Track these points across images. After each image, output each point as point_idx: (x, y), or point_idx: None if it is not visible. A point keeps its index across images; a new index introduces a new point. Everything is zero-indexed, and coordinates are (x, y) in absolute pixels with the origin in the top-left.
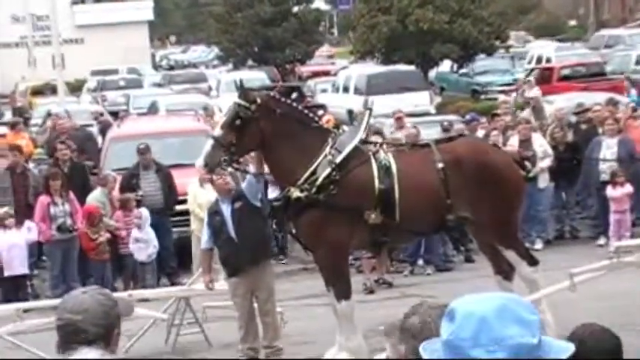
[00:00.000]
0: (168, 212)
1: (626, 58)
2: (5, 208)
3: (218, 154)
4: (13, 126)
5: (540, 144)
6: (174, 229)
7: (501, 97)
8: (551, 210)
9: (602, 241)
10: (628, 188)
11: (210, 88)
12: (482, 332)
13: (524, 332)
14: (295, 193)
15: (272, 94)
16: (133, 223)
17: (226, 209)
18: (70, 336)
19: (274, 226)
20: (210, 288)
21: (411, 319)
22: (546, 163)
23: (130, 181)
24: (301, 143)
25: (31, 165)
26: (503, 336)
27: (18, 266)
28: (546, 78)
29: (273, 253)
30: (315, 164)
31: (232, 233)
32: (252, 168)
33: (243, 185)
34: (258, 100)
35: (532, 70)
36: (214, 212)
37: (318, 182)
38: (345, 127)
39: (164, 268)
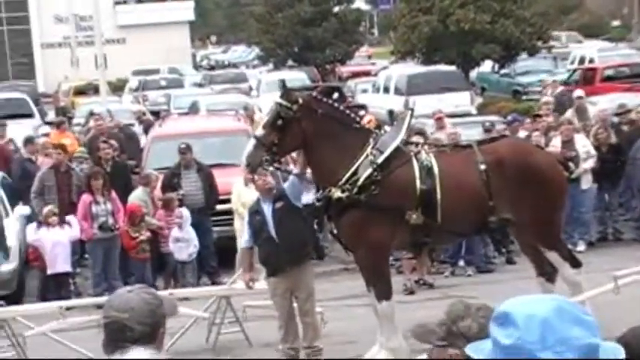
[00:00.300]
0: (209, 212)
1: None
2: (50, 207)
3: (260, 154)
4: (58, 125)
5: (583, 145)
6: (215, 229)
7: (543, 98)
8: (594, 211)
9: None
10: None
11: (250, 88)
12: (547, 334)
13: (587, 333)
14: (337, 193)
15: (313, 94)
16: (174, 223)
17: (267, 209)
18: (117, 334)
19: (315, 226)
20: (251, 287)
21: (464, 322)
22: (589, 164)
23: (172, 181)
24: (343, 143)
25: (73, 164)
26: (568, 337)
27: (61, 264)
28: (589, 79)
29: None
30: (357, 164)
31: (273, 233)
32: (294, 168)
33: (285, 185)
34: (300, 101)
35: (574, 70)
36: (255, 212)
37: (360, 182)
38: (387, 128)
39: (204, 267)
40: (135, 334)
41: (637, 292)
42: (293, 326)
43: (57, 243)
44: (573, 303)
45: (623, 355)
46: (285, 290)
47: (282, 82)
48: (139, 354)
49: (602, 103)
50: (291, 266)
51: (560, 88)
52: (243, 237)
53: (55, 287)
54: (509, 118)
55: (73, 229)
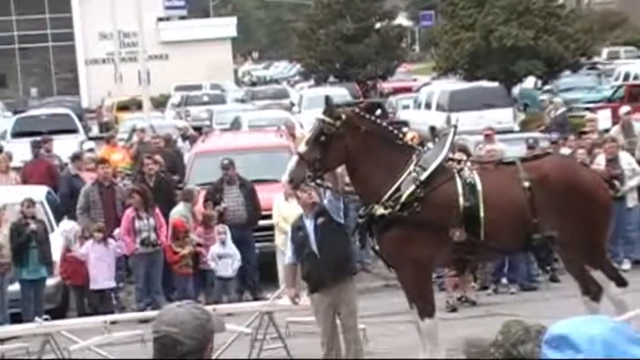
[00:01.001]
0: (251, 227)
1: None
2: (98, 224)
3: (303, 170)
4: (108, 140)
5: (628, 162)
6: (257, 244)
7: (588, 115)
8: None
9: None
10: None
11: (292, 104)
12: (612, 354)
13: None
14: (379, 210)
15: (356, 110)
16: (215, 239)
17: (309, 224)
18: (167, 349)
19: (357, 243)
20: (295, 302)
21: (525, 346)
22: (635, 182)
23: (214, 196)
24: (386, 160)
25: (117, 179)
26: (630, 355)
27: (103, 280)
28: (635, 95)
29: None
30: (400, 181)
31: (314, 248)
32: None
33: (325, 202)
34: (343, 117)
35: (619, 87)
36: (297, 227)
37: (403, 199)
38: (430, 145)
39: (247, 283)
40: (184, 349)
41: None
42: (336, 343)
43: (99, 259)
44: (621, 323)
45: None
46: (328, 306)
47: (327, 98)
48: None
49: None
50: (333, 282)
51: (562, 109)
52: (286, 253)
53: (98, 303)
54: (553, 135)
55: (118, 244)
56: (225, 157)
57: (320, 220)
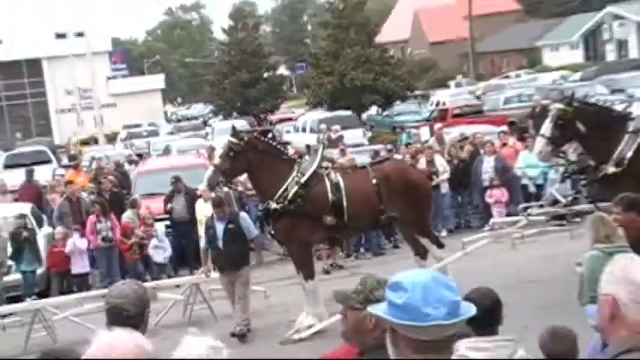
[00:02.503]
0: (192, 223)
1: (496, 101)
2: (75, 226)
3: (217, 177)
4: (75, 167)
5: (441, 163)
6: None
7: (413, 132)
8: (451, 208)
9: (487, 228)
10: (502, 190)
11: (207, 134)
12: (428, 295)
13: (453, 294)
14: (273, 205)
15: (254, 134)
16: (152, 235)
17: (220, 227)
18: (116, 316)
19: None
20: (207, 276)
21: (378, 291)
22: (445, 175)
23: (169, 201)
24: (276, 169)
25: (84, 194)
26: (442, 296)
27: (81, 267)
28: (443, 116)
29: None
30: (287, 184)
31: (220, 245)
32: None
33: (241, 218)
34: (245, 139)
35: (433, 111)
36: (209, 227)
37: (289, 197)
38: (306, 157)
39: (188, 263)
40: (129, 314)
41: (483, 262)
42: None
43: (79, 252)
44: (442, 274)
45: (474, 311)
46: (228, 282)
47: (233, 127)
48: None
49: (453, 133)
50: (231, 269)
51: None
52: (202, 240)
53: (79, 283)
54: (389, 146)
55: (82, 242)
56: (159, 174)
57: (230, 225)
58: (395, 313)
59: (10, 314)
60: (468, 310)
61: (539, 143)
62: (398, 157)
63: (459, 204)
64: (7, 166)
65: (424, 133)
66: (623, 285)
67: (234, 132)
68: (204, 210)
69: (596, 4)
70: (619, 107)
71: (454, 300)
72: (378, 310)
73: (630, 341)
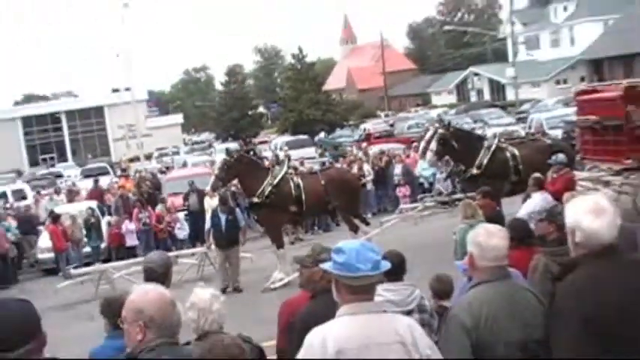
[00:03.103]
0: (202, 212)
1: (402, 127)
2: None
3: (217, 183)
4: (125, 177)
5: (367, 169)
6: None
7: (348, 148)
8: (374, 199)
9: (397, 212)
10: (407, 187)
11: (211, 153)
12: (359, 256)
13: (375, 255)
14: (255, 199)
15: (242, 153)
16: (177, 220)
17: (223, 217)
18: (149, 274)
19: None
20: (209, 248)
21: (325, 254)
22: (369, 177)
23: (186, 197)
24: (257, 175)
25: (130, 195)
26: (368, 257)
27: (130, 241)
28: (368, 138)
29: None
30: (264, 185)
31: (223, 230)
32: (234, 188)
33: (236, 212)
34: (235, 156)
35: (361, 134)
36: (215, 216)
37: (265, 194)
38: (277, 167)
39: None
40: (157, 274)
41: (394, 235)
42: (224, 272)
43: (130, 231)
44: (369, 242)
45: (389, 266)
46: (225, 256)
47: (226, 149)
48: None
49: (375, 149)
50: (227, 247)
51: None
52: (207, 224)
53: (128, 254)
54: (332, 159)
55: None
56: (180, 180)
57: (230, 217)
58: (337, 268)
59: (86, 274)
60: (384, 265)
61: (429, 155)
62: (338, 165)
63: (379, 196)
64: (84, 177)
65: (357, 149)
66: (474, 245)
67: (227, 152)
68: (210, 203)
69: (463, 65)
70: (478, 131)
71: (376, 259)
72: (327, 266)
73: (480, 277)
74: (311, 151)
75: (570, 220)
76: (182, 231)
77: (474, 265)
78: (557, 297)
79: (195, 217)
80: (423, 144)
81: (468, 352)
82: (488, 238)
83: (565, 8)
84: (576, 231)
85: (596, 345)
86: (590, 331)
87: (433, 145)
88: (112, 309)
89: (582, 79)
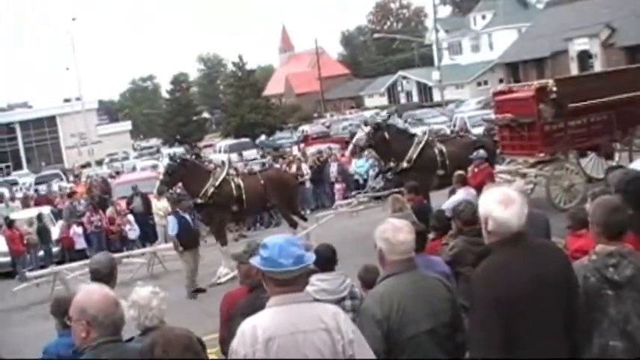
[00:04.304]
0: (147, 214)
1: (338, 128)
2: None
3: (162, 187)
4: (77, 182)
5: (305, 168)
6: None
7: (288, 149)
8: (312, 195)
9: (334, 207)
10: (342, 184)
11: (159, 158)
12: (282, 251)
13: (298, 249)
14: (199, 200)
15: (184, 157)
16: (127, 222)
17: (186, 216)
18: (94, 275)
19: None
20: (181, 252)
21: (258, 251)
22: (308, 176)
23: (130, 200)
24: (200, 178)
25: (82, 200)
26: (290, 252)
27: (79, 245)
28: (306, 139)
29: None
30: (207, 186)
31: (192, 227)
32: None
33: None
34: (179, 160)
35: (300, 136)
36: (180, 217)
37: (208, 194)
38: (218, 169)
39: (149, 239)
40: (102, 274)
41: (332, 228)
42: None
43: (78, 235)
44: (294, 238)
45: (314, 258)
46: (193, 256)
47: (169, 154)
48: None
49: (312, 149)
50: (196, 245)
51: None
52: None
53: (80, 256)
54: (272, 161)
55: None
56: (129, 184)
57: (190, 216)
58: (262, 263)
59: (41, 276)
60: (308, 259)
61: (360, 134)
62: (277, 166)
63: (316, 193)
64: (37, 183)
65: (295, 150)
66: (382, 241)
67: (171, 157)
68: (157, 205)
69: (393, 70)
70: (410, 130)
71: (299, 253)
72: (255, 261)
73: (389, 270)
74: (253, 153)
75: (482, 210)
76: (133, 232)
77: (383, 260)
78: (472, 282)
79: (139, 218)
80: (351, 146)
81: (380, 341)
82: (396, 234)
83: (484, 17)
84: (488, 220)
85: (506, 324)
86: (500, 311)
87: (367, 129)
88: (61, 309)
89: (501, 81)
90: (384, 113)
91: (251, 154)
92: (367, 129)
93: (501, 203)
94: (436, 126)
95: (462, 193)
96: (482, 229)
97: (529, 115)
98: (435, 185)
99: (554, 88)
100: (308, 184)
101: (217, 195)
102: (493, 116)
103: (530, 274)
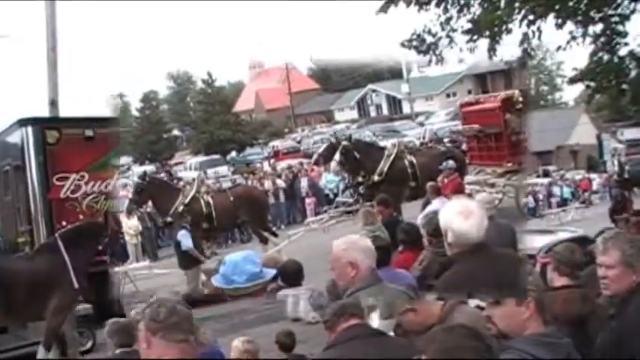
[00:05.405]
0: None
1: (308, 143)
2: None
3: (132, 205)
4: None
5: (278, 182)
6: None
7: (258, 165)
8: (285, 210)
9: (305, 223)
10: (313, 198)
11: (129, 176)
12: (236, 269)
13: (255, 267)
14: (168, 218)
15: (153, 176)
16: None
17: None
18: None
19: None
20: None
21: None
22: (281, 192)
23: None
24: (170, 196)
25: None
26: (245, 269)
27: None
28: (277, 154)
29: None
30: (177, 203)
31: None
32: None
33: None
34: (148, 179)
35: (270, 151)
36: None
37: (179, 212)
38: (187, 187)
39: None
40: None
41: (304, 243)
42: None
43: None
44: (253, 254)
45: (272, 274)
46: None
47: (144, 172)
48: None
49: (282, 164)
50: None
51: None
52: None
53: None
54: (241, 178)
55: None
56: None
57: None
58: (219, 279)
59: None
60: (265, 275)
61: (333, 165)
62: (248, 182)
63: (289, 208)
64: None
65: (266, 166)
66: (356, 251)
67: (142, 175)
68: (127, 224)
69: (363, 84)
70: (378, 143)
71: (254, 271)
72: (213, 278)
73: (359, 284)
74: (223, 170)
75: (443, 222)
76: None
77: (356, 270)
78: (437, 292)
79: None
80: (315, 156)
81: None
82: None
83: None
84: (448, 232)
85: None
86: None
87: (337, 156)
88: None
89: (469, 92)
90: (355, 127)
91: (222, 170)
92: (337, 157)
93: (461, 215)
94: (407, 138)
95: (438, 204)
96: (444, 241)
97: (496, 126)
98: (407, 197)
99: (520, 99)
100: (282, 199)
101: (188, 212)
102: (461, 127)
103: (490, 281)
